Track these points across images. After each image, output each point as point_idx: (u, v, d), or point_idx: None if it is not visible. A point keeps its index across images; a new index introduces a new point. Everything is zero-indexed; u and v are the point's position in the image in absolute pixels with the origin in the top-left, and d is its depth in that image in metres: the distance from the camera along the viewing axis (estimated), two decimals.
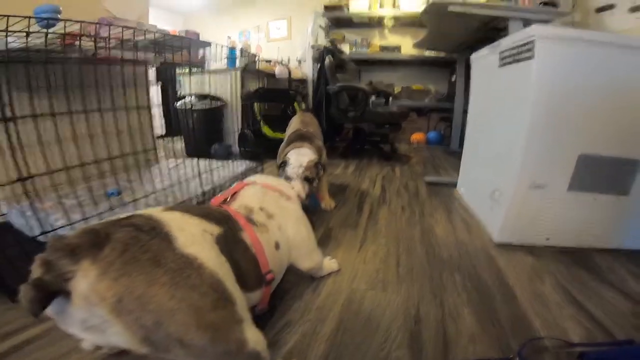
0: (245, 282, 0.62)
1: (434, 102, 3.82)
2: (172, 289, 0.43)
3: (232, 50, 2.77)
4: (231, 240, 0.61)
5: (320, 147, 1.53)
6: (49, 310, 0.43)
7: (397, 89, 4.00)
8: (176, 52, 1.70)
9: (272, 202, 0.84)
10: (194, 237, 0.52)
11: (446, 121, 3.76)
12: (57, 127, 0.98)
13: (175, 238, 0.48)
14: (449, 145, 3.44)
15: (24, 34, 0.89)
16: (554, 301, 0.94)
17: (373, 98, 3.13)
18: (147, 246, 0.45)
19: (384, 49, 3.96)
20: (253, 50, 3.78)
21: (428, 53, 3.61)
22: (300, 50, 3.66)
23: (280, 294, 0.93)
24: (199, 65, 2.22)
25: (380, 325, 0.83)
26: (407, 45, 3.86)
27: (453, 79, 3.49)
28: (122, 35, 1.24)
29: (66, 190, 1.25)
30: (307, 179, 1.27)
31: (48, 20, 1.09)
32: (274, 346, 0.73)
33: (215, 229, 0.59)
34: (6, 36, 0.87)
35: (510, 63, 1.29)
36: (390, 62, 3.97)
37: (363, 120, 2.83)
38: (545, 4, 1.85)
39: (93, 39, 1.17)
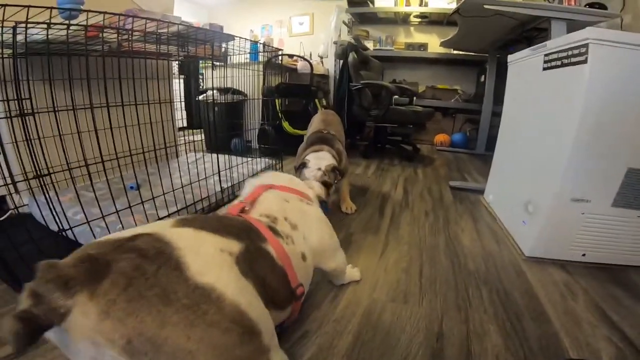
0: (274, 300, 0.57)
1: (460, 103, 3.68)
2: (187, 330, 0.38)
3: (254, 45, 2.73)
4: (255, 256, 0.55)
5: (341, 150, 1.47)
6: (52, 337, 0.39)
7: (421, 88, 3.88)
8: (199, 46, 1.68)
9: (295, 210, 0.79)
10: (209, 262, 0.46)
11: (473, 123, 3.62)
12: (77, 120, 0.96)
13: (188, 265, 0.42)
14: (474, 148, 3.31)
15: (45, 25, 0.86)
16: (586, 320, 0.88)
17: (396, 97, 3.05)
18: (153, 279, 0.39)
19: (409, 46, 3.85)
20: (275, 45, 3.75)
21: (456, 52, 3.48)
22: (323, 46, 3.59)
23: None
24: (221, 60, 2.20)
25: (401, 340, 0.78)
26: (433, 44, 3.74)
27: (482, 79, 3.35)
28: (145, 28, 1.22)
29: (86, 183, 1.25)
30: (324, 184, 1.24)
31: (71, 11, 1.07)
32: (289, 359, 0.70)
33: (235, 246, 0.52)
34: (26, 28, 0.83)
35: (557, 67, 1.18)
36: (415, 60, 3.85)
37: (386, 119, 2.75)
38: (591, 5, 1.70)
39: (116, 31, 1.15)
